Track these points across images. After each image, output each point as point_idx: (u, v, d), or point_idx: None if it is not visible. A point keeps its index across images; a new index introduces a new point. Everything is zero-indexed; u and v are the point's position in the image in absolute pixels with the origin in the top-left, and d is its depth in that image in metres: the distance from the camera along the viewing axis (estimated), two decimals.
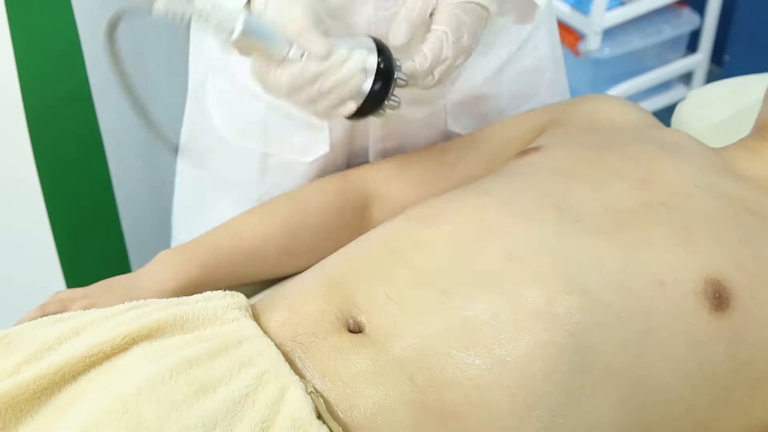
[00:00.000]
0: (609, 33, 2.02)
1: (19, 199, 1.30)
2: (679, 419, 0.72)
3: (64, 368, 0.69)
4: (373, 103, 0.78)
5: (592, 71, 2.06)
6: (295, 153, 1.00)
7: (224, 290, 0.78)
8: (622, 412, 0.70)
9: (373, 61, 0.77)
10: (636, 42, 2.07)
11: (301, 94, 0.75)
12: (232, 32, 0.71)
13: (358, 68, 0.76)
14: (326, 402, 0.69)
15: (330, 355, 0.71)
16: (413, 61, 0.79)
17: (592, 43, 1.96)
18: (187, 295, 0.81)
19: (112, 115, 1.37)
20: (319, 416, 0.67)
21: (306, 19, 0.75)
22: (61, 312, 0.82)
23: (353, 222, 0.96)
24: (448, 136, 1.03)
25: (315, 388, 0.69)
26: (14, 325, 0.79)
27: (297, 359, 0.72)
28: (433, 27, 0.80)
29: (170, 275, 0.90)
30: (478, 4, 0.81)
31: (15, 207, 1.31)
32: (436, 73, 0.80)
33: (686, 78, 2.26)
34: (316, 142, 0.99)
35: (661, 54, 2.17)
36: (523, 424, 0.68)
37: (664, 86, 2.23)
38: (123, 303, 0.78)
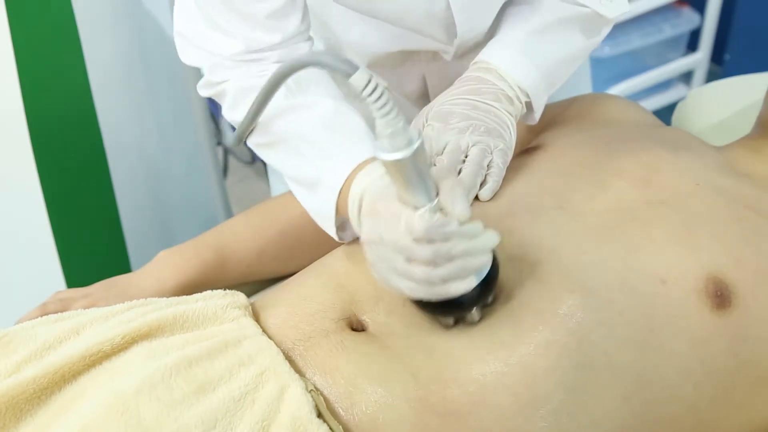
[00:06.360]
0: (609, 32, 2.01)
1: (20, 199, 1.30)
2: (681, 417, 0.72)
3: (64, 367, 0.69)
4: (478, 295, 0.68)
5: (592, 70, 2.06)
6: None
7: (224, 289, 0.78)
8: (625, 410, 0.70)
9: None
10: (636, 41, 2.07)
11: (429, 247, 0.64)
12: (409, 143, 0.62)
13: (488, 247, 0.67)
14: (327, 400, 0.69)
15: (332, 353, 0.71)
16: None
17: None
18: (186, 294, 0.81)
19: (112, 115, 1.36)
20: (320, 415, 0.67)
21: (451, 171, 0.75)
22: (62, 311, 0.82)
23: None
24: None
25: (315, 386, 0.69)
26: (14, 324, 0.79)
27: (298, 357, 0.72)
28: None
29: (170, 274, 0.90)
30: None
31: (15, 207, 1.30)
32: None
33: (686, 77, 2.26)
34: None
35: (662, 53, 2.16)
36: (527, 423, 0.68)
37: (664, 85, 2.23)
38: (123, 302, 0.78)
